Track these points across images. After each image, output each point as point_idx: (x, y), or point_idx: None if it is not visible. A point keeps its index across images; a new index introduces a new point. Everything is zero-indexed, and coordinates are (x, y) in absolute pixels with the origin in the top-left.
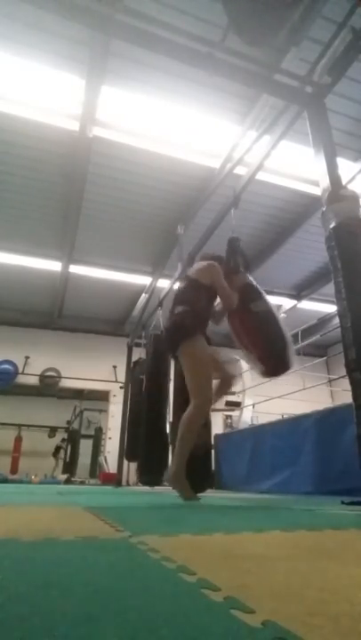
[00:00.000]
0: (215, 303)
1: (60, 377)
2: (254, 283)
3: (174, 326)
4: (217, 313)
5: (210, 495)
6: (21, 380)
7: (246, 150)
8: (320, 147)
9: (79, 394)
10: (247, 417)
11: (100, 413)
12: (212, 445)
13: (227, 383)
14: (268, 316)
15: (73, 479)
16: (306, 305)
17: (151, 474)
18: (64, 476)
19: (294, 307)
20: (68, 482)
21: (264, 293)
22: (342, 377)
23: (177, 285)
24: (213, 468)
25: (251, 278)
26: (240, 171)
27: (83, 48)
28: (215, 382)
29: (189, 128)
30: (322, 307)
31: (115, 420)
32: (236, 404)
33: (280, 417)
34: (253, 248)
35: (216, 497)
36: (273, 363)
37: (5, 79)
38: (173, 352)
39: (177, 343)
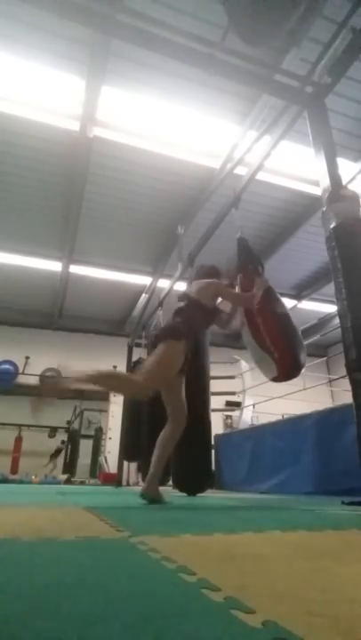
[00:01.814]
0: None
1: (60, 377)
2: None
3: (167, 327)
4: (226, 316)
5: (210, 495)
6: (22, 380)
7: (246, 150)
8: (320, 147)
9: (79, 394)
10: (247, 417)
11: (100, 413)
12: (211, 444)
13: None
14: (290, 319)
15: (73, 479)
16: (306, 305)
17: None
18: (64, 477)
19: (295, 307)
20: (68, 482)
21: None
22: (343, 377)
23: (180, 303)
24: (213, 468)
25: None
26: (240, 171)
27: (83, 48)
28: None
29: (190, 128)
30: (322, 307)
31: (115, 420)
32: (237, 405)
33: (280, 417)
34: (254, 248)
35: (216, 497)
36: (291, 365)
37: (6, 79)
38: (155, 344)
39: (162, 338)
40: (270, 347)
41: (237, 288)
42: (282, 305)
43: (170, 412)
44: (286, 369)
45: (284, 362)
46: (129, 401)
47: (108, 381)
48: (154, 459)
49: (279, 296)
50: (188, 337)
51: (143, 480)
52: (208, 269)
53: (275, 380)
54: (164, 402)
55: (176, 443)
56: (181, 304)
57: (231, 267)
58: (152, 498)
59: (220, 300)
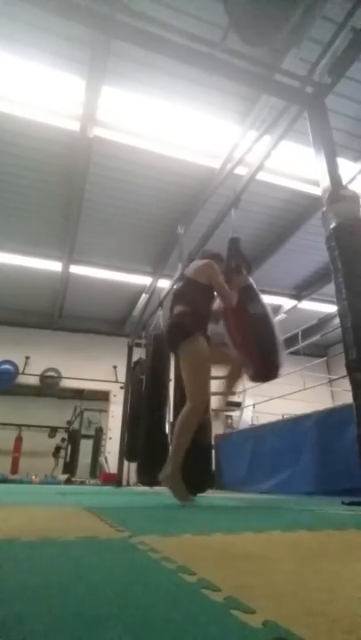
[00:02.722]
0: (214, 302)
1: (60, 377)
2: (253, 285)
3: (174, 326)
4: (215, 313)
5: (210, 495)
6: (22, 380)
7: (247, 150)
8: (320, 147)
9: (79, 394)
10: (248, 417)
11: (100, 413)
12: (211, 444)
13: (236, 371)
14: (264, 319)
15: (73, 479)
16: (306, 305)
17: (151, 474)
18: (64, 477)
19: (295, 307)
20: (68, 482)
21: (261, 296)
22: (343, 377)
23: (176, 285)
24: (214, 468)
25: (251, 280)
26: (240, 171)
27: (83, 48)
28: (223, 376)
29: (190, 128)
30: (322, 307)
31: (115, 420)
32: (237, 405)
33: (280, 417)
34: (254, 248)
35: (216, 497)
36: (262, 367)
37: (6, 79)
38: (174, 351)
39: (176, 343)
40: (241, 347)
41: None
42: (258, 304)
43: (187, 390)
44: (258, 369)
45: (255, 363)
46: (129, 401)
47: (183, 438)
48: (172, 445)
49: (259, 295)
50: (200, 324)
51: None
52: (211, 254)
53: (252, 379)
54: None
55: (192, 425)
56: (178, 285)
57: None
58: (174, 494)
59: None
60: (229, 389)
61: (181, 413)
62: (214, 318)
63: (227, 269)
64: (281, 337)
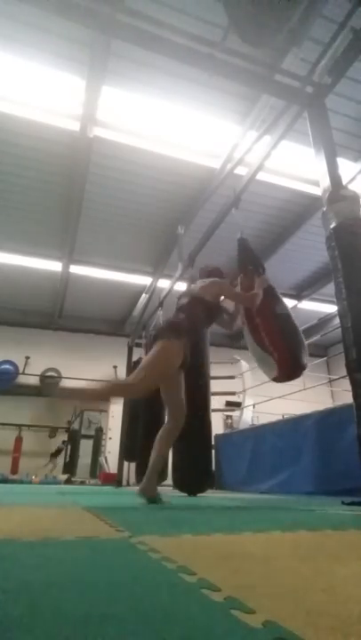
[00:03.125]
0: (214, 320)
1: (60, 377)
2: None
3: (167, 324)
4: (228, 317)
5: (210, 495)
6: (22, 380)
7: (247, 150)
8: (320, 147)
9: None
10: (248, 417)
11: (100, 414)
12: (211, 444)
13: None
14: (289, 319)
15: (73, 479)
16: (306, 305)
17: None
18: (64, 477)
19: (295, 307)
20: (68, 482)
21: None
22: (343, 377)
23: (180, 298)
24: (214, 468)
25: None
26: (240, 171)
27: (83, 48)
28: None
29: (190, 128)
30: (322, 307)
31: (115, 420)
32: (237, 405)
33: (281, 417)
34: (254, 248)
35: (216, 497)
36: (292, 366)
37: (6, 79)
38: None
39: (162, 335)
40: (269, 347)
41: (238, 288)
42: (282, 305)
43: (168, 411)
44: (285, 369)
45: (283, 362)
46: (129, 401)
47: (112, 392)
48: (151, 457)
49: (280, 295)
50: (189, 334)
51: (138, 479)
52: (212, 270)
53: (275, 380)
54: (163, 400)
55: (173, 441)
56: (183, 302)
57: (233, 267)
58: (149, 497)
59: (222, 298)
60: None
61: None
62: (229, 324)
63: (244, 272)
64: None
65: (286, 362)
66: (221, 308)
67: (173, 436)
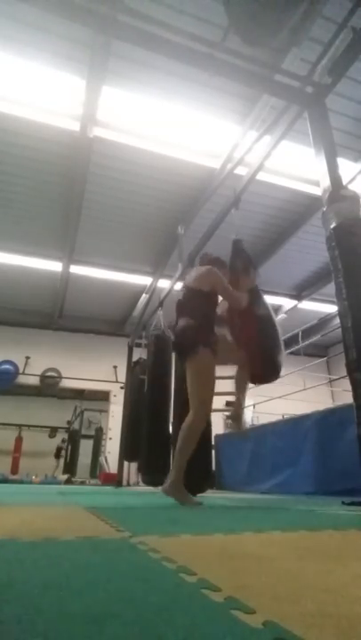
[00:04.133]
0: (218, 307)
1: (60, 377)
2: (257, 286)
3: (179, 341)
4: (220, 316)
5: (210, 495)
6: (22, 380)
7: (247, 150)
8: (321, 147)
9: (80, 394)
10: (248, 417)
11: (100, 414)
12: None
13: (245, 369)
14: (268, 320)
15: (73, 479)
16: (306, 305)
17: (152, 473)
18: (64, 477)
19: (295, 307)
20: (68, 482)
21: (264, 297)
22: (343, 377)
23: (179, 296)
24: (214, 468)
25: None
26: (241, 171)
27: (83, 48)
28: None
29: (190, 128)
30: (322, 307)
31: (115, 420)
32: None
33: (281, 417)
34: (254, 248)
35: (216, 497)
36: (265, 368)
37: (6, 79)
38: (182, 363)
39: (183, 358)
40: (244, 348)
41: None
42: (263, 307)
43: (191, 403)
44: (261, 371)
45: (258, 364)
46: (129, 401)
47: (187, 453)
48: (175, 455)
49: (263, 297)
50: (205, 336)
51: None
52: (211, 259)
53: (253, 380)
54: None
55: (195, 436)
56: (181, 296)
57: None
58: (179, 501)
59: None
60: (242, 389)
61: (185, 425)
62: (218, 321)
63: (233, 271)
64: (281, 338)
65: (260, 364)
66: (216, 296)
67: (192, 431)
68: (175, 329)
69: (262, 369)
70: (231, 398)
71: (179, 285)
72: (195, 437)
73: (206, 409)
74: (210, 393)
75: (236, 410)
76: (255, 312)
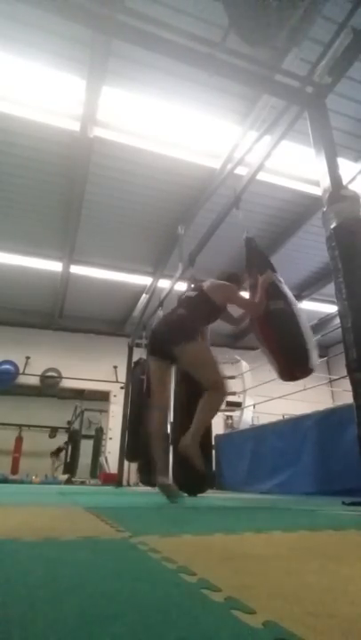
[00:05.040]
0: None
1: (60, 377)
2: (280, 281)
3: (174, 326)
4: (236, 319)
5: (210, 495)
6: (22, 380)
7: (247, 150)
8: (321, 147)
9: (80, 394)
10: (248, 417)
11: (100, 414)
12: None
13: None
14: (287, 316)
15: (73, 479)
16: (307, 305)
17: (152, 474)
18: (65, 477)
19: None
20: (68, 482)
21: (289, 293)
22: (343, 377)
23: (186, 291)
24: (214, 468)
25: (276, 276)
26: (241, 171)
27: (83, 48)
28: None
29: (190, 128)
30: (323, 307)
31: (115, 420)
32: (237, 405)
33: (281, 417)
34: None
35: (216, 497)
36: (287, 365)
37: (6, 79)
38: (168, 348)
39: (177, 341)
40: (266, 347)
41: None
42: (280, 302)
43: (205, 383)
44: (285, 368)
45: (280, 362)
46: (129, 401)
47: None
48: (195, 421)
49: (287, 293)
50: (196, 331)
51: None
52: (230, 275)
53: (282, 377)
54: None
55: (215, 408)
56: (190, 294)
57: (237, 267)
58: (193, 458)
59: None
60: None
61: (207, 398)
62: (236, 320)
63: (250, 271)
64: (311, 334)
65: (280, 361)
66: (225, 312)
67: (217, 401)
68: (170, 314)
69: (283, 365)
70: (232, 398)
71: (179, 285)
72: (219, 406)
73: (221, 375)
74: (215, 360)
75: (187, 439)
76: (270, 307)
